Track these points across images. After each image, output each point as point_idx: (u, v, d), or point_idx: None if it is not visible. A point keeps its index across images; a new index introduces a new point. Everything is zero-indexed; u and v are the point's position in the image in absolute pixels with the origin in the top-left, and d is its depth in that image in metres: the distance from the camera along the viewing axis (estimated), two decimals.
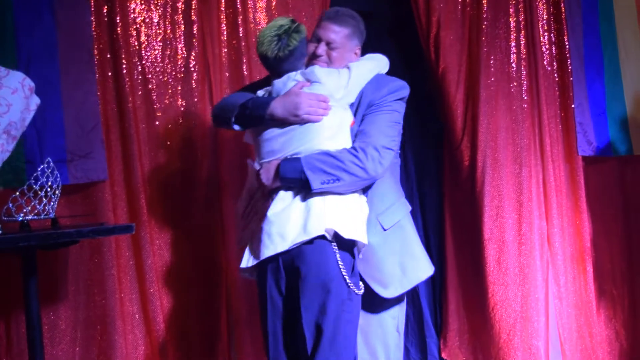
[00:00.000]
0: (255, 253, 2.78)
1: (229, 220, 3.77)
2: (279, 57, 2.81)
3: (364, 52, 3.07)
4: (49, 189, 2.95)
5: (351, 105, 2.88)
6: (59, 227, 2.99)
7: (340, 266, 2.67)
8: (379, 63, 2.99)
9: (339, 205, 2.72)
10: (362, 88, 2.88)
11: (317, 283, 2.66)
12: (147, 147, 3.69)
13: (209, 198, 3.79)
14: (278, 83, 2.86)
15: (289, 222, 2.69)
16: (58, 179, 3.00)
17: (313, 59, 2.92)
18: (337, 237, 2.68)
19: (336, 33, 2.92)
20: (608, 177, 4.71)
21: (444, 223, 4.49)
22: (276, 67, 2.87)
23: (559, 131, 4.52)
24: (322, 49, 2.91)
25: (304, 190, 2.72)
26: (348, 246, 2.72)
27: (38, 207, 2.92)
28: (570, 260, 4.49)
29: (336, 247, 2.68)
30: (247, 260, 2.82)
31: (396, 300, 3.00)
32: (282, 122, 2.78)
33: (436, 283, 4.53)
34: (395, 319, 3.03)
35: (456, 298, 4.44)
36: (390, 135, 2.83)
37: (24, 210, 2.88)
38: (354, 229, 2.72)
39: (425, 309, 4.49)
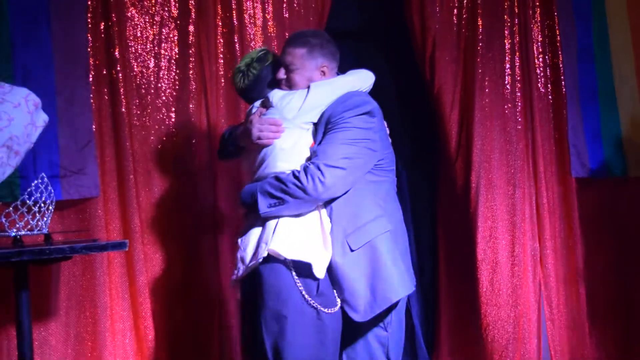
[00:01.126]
0: (233, 274, 2.87)
1: (223, 237, 3.76)
2: (242, 88, 3.03)
3: (358, 68, 3.06)
4: (42, 205, 2.95)
5: (317, 125, 2.85)
6: (51, 242, 2.98)
7: (299, 287, 2.67)
8: (355, 80, 2.95)
9: (291, 227, 2.72)
10: (327, 107, 2.84)
11: (274, 306, 2.67)
12: (142, 164, 3.69)
13: (203, 215, 3.78)
14: (252, 109, 2.98)
15: (248, 246, 2.76)
16: (52, 195, 3.00)
17: (276, 84, 2.96)
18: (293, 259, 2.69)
19: (292, 55, 2.92)
20: (601, 199, 4.71)
21: (437, 243, 4.49)
22: (245, 96, 3.08)
23: (553, 153, 4.53)
24: (281, 73, 2.93)
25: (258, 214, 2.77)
26: (307, 267, 2.69)
27: (31, 222, 2.92)
28: (563, 282, 4.49)
29: (292, 268, 2.68)
30: (232, 281, 2.90)
31: (383, 326, 2.88)
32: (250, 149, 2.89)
33: (429, 302, 4.53)
34: (383, 345, 2.90)
35: (448, 318, 4.43)
36: (340, 153, 2.73)
37: (17, 225, 2.88)
38: (299, 250, 2.69)
39: (418, 328, 4.48)
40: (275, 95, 2.87)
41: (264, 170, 2.81)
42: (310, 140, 2.83)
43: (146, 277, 3.65)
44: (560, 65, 4.54)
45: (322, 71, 2.95)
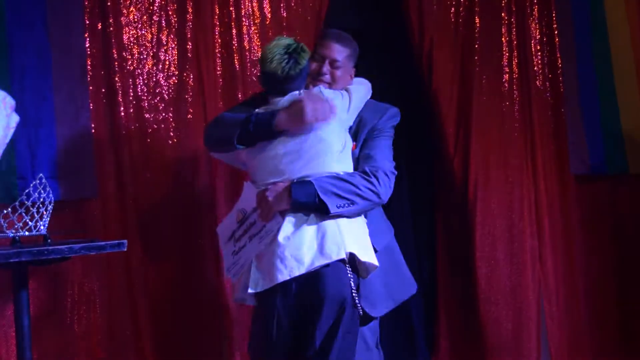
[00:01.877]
0: (266, 277, 2.71)
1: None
2: (289, 75, 2.78)
3: (355, 68, 3.11)
4: (40, 205, 2.95)
5: (349, 128, 2.92)
6: (50, 243, 2.98)
7: (353, 289, 2.70)
8: (367, 89, 3.05)
9: (352, 228, 2.74)
10: (360, 112, 2.95)
11: (335, 305, 2.67)
12: (139, 165, 3.68)
13: (202, 216, 3.78)
14: (281, 101, 2.81)
15: (303, 245, 2.66)
16: (50, 195, 3.00)
17: (316, 77, 2.94)
18: (350, 260, 2.70)
19: (340, 53, 2.98)
20: (600, 196, 4.72)
21: (435, 241, 4.49)
22: (283, 85, 2.82)
23: (551, 150, 4.54)
24: (326, 67, 2.95)
25: (316, 213, 2.70)
26: (356, 268, 2.74)
27: (30, 223, 2.92)
28: (562, 279, 4.49)
29: (350, 270, 2.69)
30: (255, 284, 2.74)
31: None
32: (287, 139, 2.75)
33: (428, 301, 4.53)
34: (375, 334, 3.08)
35: (447, 316, 4.43)
36: (391, 160, 2.93)
37: (16, 226, 2.88)
38: (368, 252, 2.76)
39: (417, 326, 4.47)
40: (327, 92, 2.84)
41: (315, 169, 2.73)
42: (352, 143, 2.89)
43: (145, 277, 3.64)
44: (558, 63, 4.55)
45: (351, 75, 3.06)
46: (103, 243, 3.14)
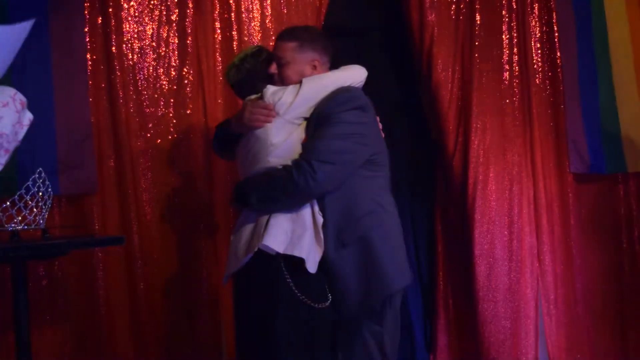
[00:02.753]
0: (227, 271, 2.87)
1: (221, 233, 3.77)
2: (236, 82, 3.04)
3: (352, 64, 3.06)
4: (39, 200, 2.95)
5: (309, 120, 2.85)
6: (49, 237, 2.98)
7: (289, 282, 2.67)
8: (348, 74, 2.96)
9: (282, 222, 2.72)
10: (318, 102, 2.84)
11: (263, 301, 2.69)
12: (139, 159, 3.69)
13: (201, 209, 3.78)
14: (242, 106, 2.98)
15: (240, 241, 2.77)
16: (49, 190, 3.00)
17: (269, 79, 2.97)
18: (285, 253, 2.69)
19: (283, 49, 2.95)
20: (599, 195, 4.71)
21: (435, 238, 4.49)
22: (238, 92, 3.09)
23: (551, 148, 4.54)
24: (273, 67, 2.97)
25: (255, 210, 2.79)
26: (298, 262, 2.69)
27: (29, 217, 2.91)
28: (561, 278, 4.49)
29: (283, 264, 2.68)
30: (225, 278, 2.90)
31: (377, 321, 2.91)
32: (243, 142, 2.91)
33: (426, 298, 4.53)
34: (377, 339, 2.92)
35: (446, 314, 4.43)
36: (332, 148, 2.75)
37: (15, 220, 2.88)
38: (292, 245, 2.70)
39: (415, 324, 4.48)
40: (268, 90, 2.88)
41: (255, 165, 2.82)
42: (302, 136, 2.83)
43: (143, 272, 3.65)
44: (558, 61, 4.55)
45: (314, 65, 2.97)
46: (102, 238, 3.15)
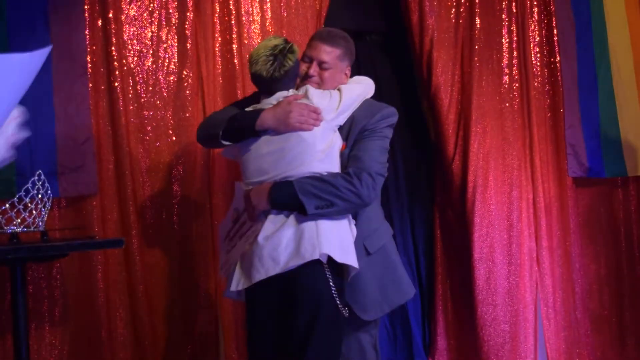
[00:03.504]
0: (246, 276, 2.74)
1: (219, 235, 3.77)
2: (274, 77, 2.79)
3: (356, 68, 3.09)
4: (39, 202, 2.95)
5: (340, 128, 2.87)
6: (48, 239, 2.98)
7: (333, 289, 2.68)
8: (366, 87, 2.99)
9: (332, 230, 2.70)
10: (353, 112, 2.87)
11: (309, 306, 2.66)
12: (139, 162, 3.68)
13: (200, 212, 3.78)
14: (270, 100, 2.84)
15: (280, 245, 2.66)
16: (48, 192, 3.00)
17: (305, 79, 2.90)
18: (329, 260, 2.67)
19: (328, 54, 2.90)
20: (597, 199, 4.73)
21: (434, 242, 4.49)
22: (270, 86, 2.84)
23: (550, 152, 4.55)
24: (314, 69, 2.89)
25: (296, 213, 2.70)
26: (339, 269, 2.72)
27: (28, 219, 2.92)
28: (560, 281, 4.50)
29: (329, 271, 2.67)
30: (236, 283, 2.78)
31: (374, 323, 3.03)
32: (271, 138, 2.76)
33: (425, 302, 4.53)
34: (372, 337, 3.04)
35: (445, 317, 4.44)
36: (381, 161, 2.83)
37: (14, 222, 2.88)
38: (346, 253, 2.71)
39: (414, 327, 4.48)
40: (313, 92, 2.81)
41: (296, 168, 2.73)
42: (341, 143, 2.84)
43: (143, 274, 3.64)
44: (558, 65, 4.55)
45: (346, 74, 2.99)
46: (101, 240, 3.15)
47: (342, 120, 2.85)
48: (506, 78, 4.44)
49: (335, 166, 2.78)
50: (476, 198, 4.28)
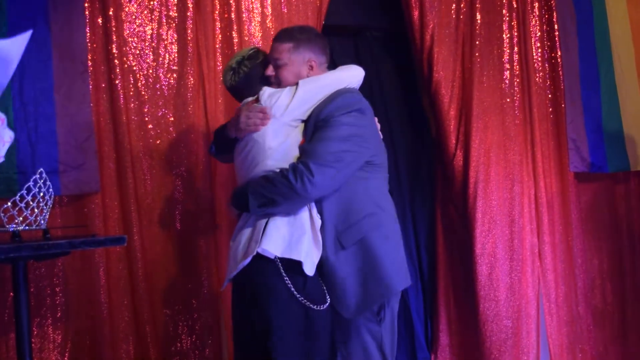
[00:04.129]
0: (227, 275, 2.87)
1: (221, 233, 3.77)
2: (233, 85, 3.02)
3: (356, 64, 3.07)
4: (40, 200, 2.95)
5: (307, 121, 2.85)
6: (50, 238, 2.98)
7: (288, 285, 2.68)
8: (347, 75, 2.95)
9: (280, 226, 2.73)
10: (317, 104, 2.84)
11: (262, 303, 2.70)
12: (140, 159, 3.69)
13: (202, 210, 3.78)
14: (238, 109, 2.96)
15: (240, 245, 2.77)
16: (50, 190, 3.00)
17: (265, 81, 2.97)
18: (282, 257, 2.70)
19: (279, 51, 2.94)
20: (599, 194, 4.73)
21: (436, 238, 4.50)
22: (236, 95, 3.07)
23: (551, 147, 4.55)
24: (269, 69, 2.95)
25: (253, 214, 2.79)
26: (296, 265, 2.70)
27: (30, 217, 2.91)
28: (562, 276, 4.50)
29: (282, 267, 2.68)
30: (224, 283, 2.91)
31: (376, 320, 2.92)
32: (240, 145, 2.92)
33: (427, 298, 4.53)
34: (376, 339, 2.94)
35: (447, 313, 4.44)
36: (330, 151, 2.74)
37: (16, 220, 2.88)
38: (291, 249, 2.71)
39: (417, 323, 4.49)
40: (265, 93, 2.88)
41: (254, 169, 2.82)
42: (300, 138, 2.84)
43: (144, 272, 3.64)
44: (559, 60, 4.55)
45: (310, 66, 2.96)
46: (103, 238, 3.14)
47: (299, 114, 2.85)
48: (507, 73, 4.44)
49: (288, 162, 2.78)
50: (478, 194, 4.28)
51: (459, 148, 4.33)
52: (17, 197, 2.88)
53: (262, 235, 2.70)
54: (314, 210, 2.81)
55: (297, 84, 2.87)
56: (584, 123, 4.56)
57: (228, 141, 3.01)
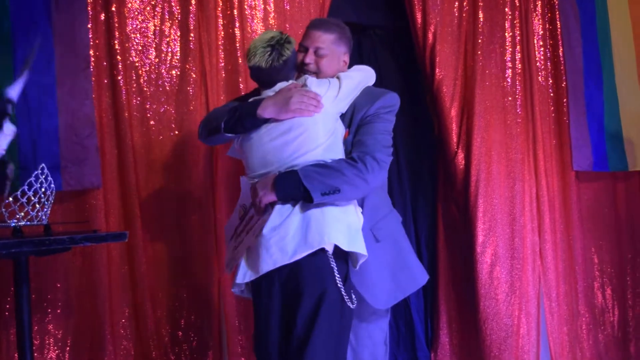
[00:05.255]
0: (253, 268, 2.72)
1: (223, 228, 3.77)
2: (274, 67, 2.79)
3: (359, 62, 3.07)
4: (42, 195, 2.95)
5: (342, 116, 2.85)
6: (51, 233, 2.98)
7: (337, 278, 2.64)
8: (366, 75, 2.97)
9: (338, 217, 2.68)
10: (355, 100, 2.86)
11: (314, 295, 2.63)
12: (142, 156, 3.69)
13: (203, 207, 3.78)
14: (270, 91, 2.83)
15: (287, 235, 2.64)
16: (52, 186, 3.00)
17: (302, 68, 2.90)
18: (334, 248, 2.65)
19: (322, 40, 2.90)
20: (600, 193, 4.73)
21: (436, 236, 4.49)
22: (270, 77, 2.84)
23: (553, 146, 4.55)
24: (310, 57, 2.90)
25: (302, 202, 2.67)
26: (343, 257, 2.70)
27: (31, 213, 2.91)
28: (562, 275, 4.50)
29: (333, 260, 2.64)
30: (243, 275, 2.75)
31: (384, 312, 3.00)
32: (272, 127, 2.75)
33: (427, 295, 4.53)
34: (383, 331, 3.02)
35: (447, 311, 4.44)
36: (386, 145, 2.80)
37: (17, 216, 2.88)
38: (354, 241, 2.69)
39: (417, 321, 4.49)
40: (312, 81, 2.80)
41: (301, 157, 2.71)
42: (344, 130, 2.83)
43: (146, 268, 3.65)
44: (561, 58, 4.55)
45: (344, 61, 2.98)
46: (104, 234, 3.14)
47: (343, 107, 2.83)
48: (509, 72, 4.43)
49: (339, 153, 2.77)
50: (479, 192, 4.28)
51: (461, 146, 4.33)
52: (19, 193, 2.89)
53: (325, 226, 2.63)
54: (356, 202, 2.82)
55: (338, 77, 2.85)
56: (587, 122, 4.56)
57: (244, 122, 2.79)
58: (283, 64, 2.79)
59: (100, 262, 3.54)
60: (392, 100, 2.89)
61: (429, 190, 4.59)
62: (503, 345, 4.25)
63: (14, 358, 3.16)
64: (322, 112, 2.75)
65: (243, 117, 2.78)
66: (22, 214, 2.90)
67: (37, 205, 2.94)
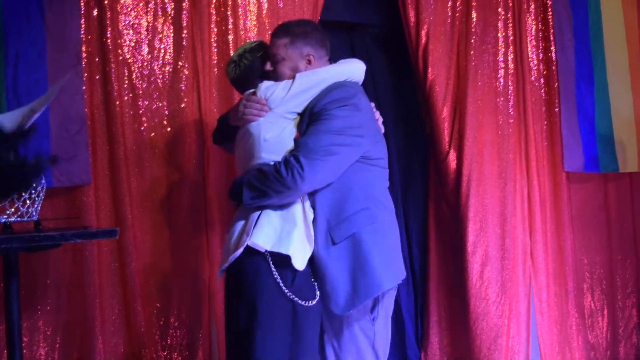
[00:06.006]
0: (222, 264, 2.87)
1: (213, 225, 3.76)
2: (234, 78, 3.10)
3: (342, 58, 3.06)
4: (32, 191, 2.94)
5: (302, 115, 2.86)
6: (42, 229, 2.97)
7: (277, 279, 2.68)
8: (344, 69, 2.94)
9: (272, 219, 2.74)
10: (314, 97, 2.84)
11: (249, 296, 2.69)
12: (133, 152, 3.68)
13: (194, 203, 3.78)
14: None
15: (233, 237, 2.78)
16: (42, 182, 2.99)
17: (266, 75, 3.00)
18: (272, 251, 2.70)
19: (276, 46, 2.95)
20: (591, 194, 4.73)
21: (427, 236, 4.49)
22: (238, 87, 3.14)
23: (545, 147, 4.55)
24: (268, 65, 3.02)
25: (243, 205, 2.81)
26: (286, 259, 2.69)
27: (21, 209, 2.90)
28: (553, 276, 4.51)
29: (271, 260, 2.68)
30: (219, 273, 2.89)
31: (369, 318, 2.90)
32: (238, 135, 2.95)
33: (418, 295, 4.53)
34: (369, 337, 2.91)
35: (438, 311, 4.44)
36: (321, 144, 2.72)
37: (7, 212, 2.87)
38: (280, 242, 2.69)
39: (407, 321, 4.48)
40: (262, 85, 2.90)
41: (250, 160, 2.84)
42: (295, 131, 2.84)
43: (136, 265, 3.64)
44: (554, 59, 4.55)
45: (308, 60, 2.95)
46: (95, 230, 3.14)
47: (294, 106, 2.85)
48: (502, 72, 4.43)
49: (283, 154, 2.79)
50: (470, 192, 4.28)
51: (453, 146, 4.33)
52: None
53: (254, 227, 2.70)
54: (307, 204, 2.81)
55: (294, 77, 2.87)
56: (578, 123, 4.57)
57: (229, 130, 3.06)
58: (244, 74, 3.05)
59: (91, 258, 3.54)
60: (342, 93, 2.81)
61: (420, 189, 4.58)
62: (493, 345, 4.25)
63: (3, 355, 3.14)
64: (268, 115, 2.84)
65: (222, 128, 3.14)
66: (12, 209, 2.89)
67: (28, 202, 2.93)
